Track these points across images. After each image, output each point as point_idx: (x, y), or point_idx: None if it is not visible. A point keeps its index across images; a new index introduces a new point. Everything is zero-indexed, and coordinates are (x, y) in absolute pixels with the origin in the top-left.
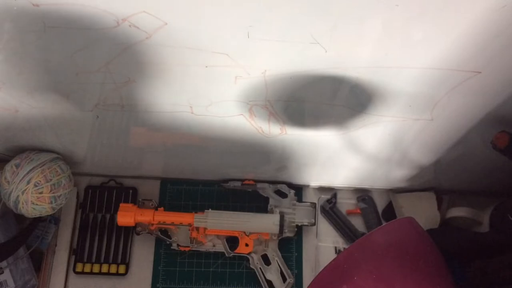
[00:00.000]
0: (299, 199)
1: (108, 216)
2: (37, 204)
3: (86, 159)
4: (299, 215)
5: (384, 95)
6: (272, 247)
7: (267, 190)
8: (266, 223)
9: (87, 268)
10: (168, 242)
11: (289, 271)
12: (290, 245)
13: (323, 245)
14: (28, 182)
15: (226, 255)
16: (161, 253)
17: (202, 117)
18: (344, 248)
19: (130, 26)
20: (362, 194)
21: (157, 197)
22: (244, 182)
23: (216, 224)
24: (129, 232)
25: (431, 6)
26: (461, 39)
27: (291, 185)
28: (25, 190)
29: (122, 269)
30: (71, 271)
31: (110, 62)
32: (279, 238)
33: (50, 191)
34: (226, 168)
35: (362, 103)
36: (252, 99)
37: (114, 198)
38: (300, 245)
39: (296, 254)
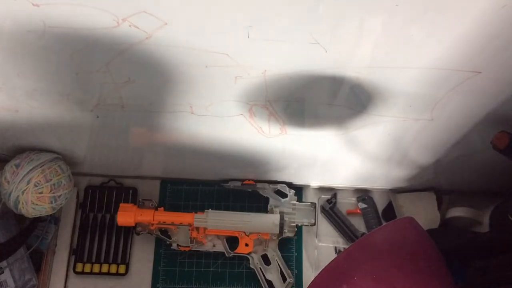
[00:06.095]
0: (299, 199)
1: (108, 216)
2: (37, 204)
3: (86, 159)
4: (299, 215)
5: (384, 95)
6: (272, 247)
7: (267, 190)
8: (266, 223)
9: (87, 268)
10: (168, 242)
11: (289, 271)
12: (290, 245)
13: (323, 245)
14: (28, 182)
15: (226, 255)
16: (161, 253)
17: (202, 117)
18: (344, 248)
19: (130, 26)
20: (362, 194)
21: (157, 197)
22: (244, 182)
23: (216, 224)
24: (129, 232)
25: (431, 6)
26: (461, 39)
27: (291, 185)
28: (25, 190)
29: (122, 269)
30: (71, 271)
31: (110, 62)
32: (279, 238)
33: (50, 191)
34: (226, 168)
35: (362, 103)
36: (252, 99)
37: (114, 198)
38: (300, 245)
39: (296, 254)
